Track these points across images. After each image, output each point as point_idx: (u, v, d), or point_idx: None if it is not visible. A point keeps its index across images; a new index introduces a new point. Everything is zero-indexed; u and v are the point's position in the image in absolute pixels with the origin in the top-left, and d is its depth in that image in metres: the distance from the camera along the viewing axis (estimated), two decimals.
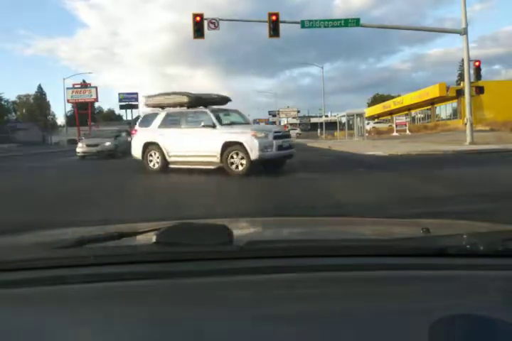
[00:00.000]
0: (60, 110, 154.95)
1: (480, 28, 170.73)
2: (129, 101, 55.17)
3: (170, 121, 11.72)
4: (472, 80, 19.86)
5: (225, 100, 12.58)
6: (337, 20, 18.50)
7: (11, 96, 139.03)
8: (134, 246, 1.03)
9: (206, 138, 10.79)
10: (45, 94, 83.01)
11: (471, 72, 19.95)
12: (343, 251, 0.98)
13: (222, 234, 0.93)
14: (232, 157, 10.49)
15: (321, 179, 9.12)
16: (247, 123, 12.27)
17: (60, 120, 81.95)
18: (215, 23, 18.14)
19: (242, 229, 1.43)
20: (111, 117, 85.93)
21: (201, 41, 18.82)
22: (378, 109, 54.34)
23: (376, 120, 51.03)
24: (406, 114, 42.30)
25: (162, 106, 12.11)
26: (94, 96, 49.02)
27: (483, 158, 13.26)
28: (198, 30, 18.06)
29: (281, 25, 18.04)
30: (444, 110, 40.88)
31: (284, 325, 0.70)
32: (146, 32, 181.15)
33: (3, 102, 73.65)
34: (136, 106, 55.68)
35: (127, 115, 61.11)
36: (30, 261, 0.95)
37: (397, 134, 32.50)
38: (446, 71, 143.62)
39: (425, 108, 43.15)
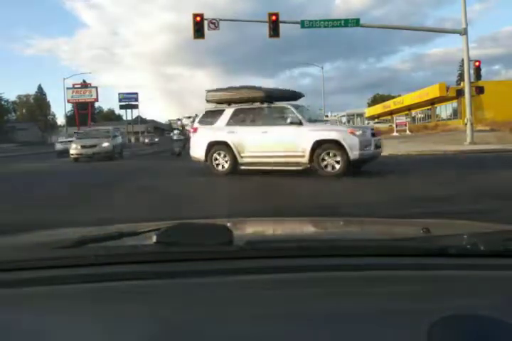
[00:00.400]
0: (60, 110, 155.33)
1: (480, 28, 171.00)
2: (129, 101, 55.14)
3: (241, 118, 10.45)
4: (472, 80, 19.87)
5: (298, 96, 11.31)
6: (337, 20, 18.51)
7: (11, 96, 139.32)
8: (134, 246, 1.03)
9: (291, 137, 9.65)
10: (45, 94, 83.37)
11: (471, 72, 19.97)
12: (343, 251, 0.98)
13: (222, 234, 0.93)
14: (323, 157, 9.41)
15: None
16: (321, 120, 11.30)
17: (60, 120, 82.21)
18: (215, 23, 18.15)
19: (242, 229, 1.43)
20: (111, 117, 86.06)
21: (201, 41, 18.86)
22: (378, 109, 54.32)
23: (376, 120, 51.03)
24: (406, 114, 42.29)
25: (229, 102, 10.78)
26: (94, 97, 49.05)
27: (483, 157, 13.27)
28: (198, 31, 18.07)
29: (281, 25, 18.05)
30: (444, 110, 40.89)
31: (284, 325, 0.70)
32: (146, 32, 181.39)
33: (3, 102, 73.69)
34: (136, 106, 55.68)
35: (127, 115, 61.22)
36: (30, 261, 0.95)
37: (397, 134, 32.46)
38: (446, 71, 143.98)
39: (425, 108, 43.17)
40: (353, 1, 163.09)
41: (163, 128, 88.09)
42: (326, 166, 9.46)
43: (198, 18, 18.02)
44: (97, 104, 74.13)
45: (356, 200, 6.30)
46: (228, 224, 0.97)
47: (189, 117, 14.80)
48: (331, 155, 9.44)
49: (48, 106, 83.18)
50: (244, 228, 1.52)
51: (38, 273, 0.90)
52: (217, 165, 10.60)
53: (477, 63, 20.75)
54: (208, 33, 18.24)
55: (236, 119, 10.49)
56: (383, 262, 0.94)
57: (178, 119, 16.89)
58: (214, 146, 10.55)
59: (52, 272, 0.90)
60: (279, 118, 10.17)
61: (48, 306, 0.80)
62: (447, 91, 34.90)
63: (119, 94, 55.67)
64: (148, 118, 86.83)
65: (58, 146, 26.03)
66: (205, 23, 18.03)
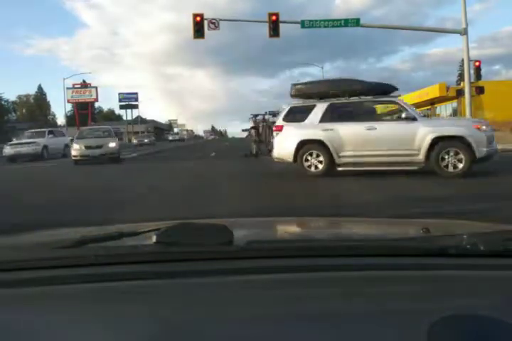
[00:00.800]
0: (60, 110, 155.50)
1: (480, 28, 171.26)
2: (129, 101, 55.14)
3: (338, 114, 9.37)
4: (472, 80, 19.89)
5: (392, 89, 10.19)
6: (337, 20, 18.51)
7: (11, 96, 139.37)
8: (134, 246, 1.03)
9: (404, 133, 8.68)
10: (45, 94, 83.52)
11: (471, 72, 20.00)
12: (343, 251, 0.98)
13: (222, 234, 0.93)
14: (442, 155, 8.47)
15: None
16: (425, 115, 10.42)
17: (60, 120, 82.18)
18: (215, 23, 18.15)
19: (242, 229, 1.43)
20: (111, 117, 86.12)
21: (201, 41, 18.87)
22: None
23: None
24: None
25: (320, 96, 9.66)
26: (94, 97, 49.16)
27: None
28: (198, 31, 18.07)
29: (281, 25, 18.05)
30: (444, 110, 40.85)
31: (283, 325, 0.70)
32: (146, 32, 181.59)
33: (3, 102, 73.67)
34: (136, 106, 55.67)
35: (127, 115, 61.29)
36: (30, 261, 0.95)
37: None
38: (446, 71, 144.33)
39: (425, 108, 43.13)
40: (353, 1, 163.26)
41: (163, 128, 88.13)
42: (446, 165, 8.51)
43: (198, 18, 18.02)
44: (97, 104, 74.40)
45: None
46: (228, 224, 0.97)
47: (256, 115, 13.42)
48: (451, 153, 8.50)
49: (48, 106, 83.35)
50: (244, 228, 1.51)
51: (38, 273, 0.90)
52: (309, 166, 9.45)
53: (477, 63, 20.79)
54: (208, 32, 18.27)
55: (331, 115, 9.31)
56: (383, 262, 0.94)
57: (255, 116, 14.09)
58: (305, 145, 9.38)
59: (52, 272, 0.90)
60: (385, 113, 9.32)
61: (48, 306, 0.80)
62: (447, 91, 34.85)
63: (119, 94, 55.81)
64: (148, 118, 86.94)
65: (7, 150, 21.28)
66: (205, 23, 18.04)
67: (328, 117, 9.33)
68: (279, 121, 9.99)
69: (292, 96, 10.25)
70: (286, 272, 0.89)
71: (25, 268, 0.92)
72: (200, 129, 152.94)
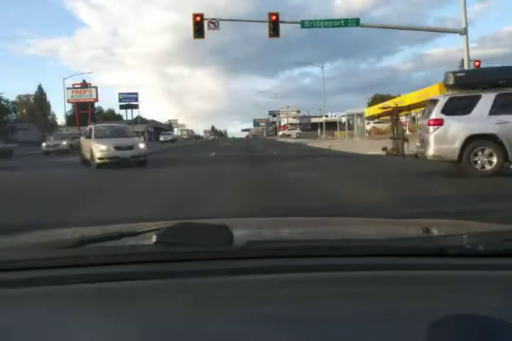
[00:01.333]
0: (60, 110, 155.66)
1: (480, 28, 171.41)
2: (129, 101, 55.26)
3: (511, 105, 8.28)
4: None
5: None
6: (337, 20, 18.53)
7: (11, 96, 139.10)
8: (134, 246, 1.03)
9: None
10: (45, 94, 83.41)
11: None
12: (344, 251, 0.98)
13: (222, 234, 0.93)
14: None
15: None
16: None
17: (60, 120, 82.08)
18: (215, 23, 18.17)
19: (242, 229, 1.43)
20: (111, 117, 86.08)
21: (202, 41, 18.90)
22: (378, 109, 54.24)
23: (376, 120, 50.98)
24: (406, 114, 42.22)
25: (486, 86, 8.66)
26: (94, 96, 49.21)
27: None
28: (198, 31, 18.10)
29: (281, 25, 18.08)
30: None
31: (283, 325, 0.70)
32: (147, 32, 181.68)
33: (3, 102, 73.61)
34: (136, 106, 55.77)
35: (127, 115, 61.24)
36: (30, 261, 0.95)
37: None
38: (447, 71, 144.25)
39: (425, 108, 43.05)
40: (352, 1, 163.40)
41: (162, 128, 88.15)
42: None
43: (198, 18, 18.04)
44: (96, 104, 74.45)
45: None
46: (228, 224, 0.97)
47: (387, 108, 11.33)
48: None
49: (48, 106, 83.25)
50: (244, 228, 1.51)
51: (38, 273, 0.90)
52: (475, 163, 8.40)
53: (477, 63, 20.80)
54: (209, 32, 18.30)
55: (502, 106, 8.29)
56: (383, 262, 0.94)
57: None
58: (474, 141, 8.33)
59: (52, 272, 0.90)
60: None
61: (48, 306, 0.80)
62: (447, 91, 34.83)
63: (119, 94, 55.93)
64: (149, 118, 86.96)
65: None
66: (205, 22, 18.05)
67: (498, 109, 8.31)
68: (437, 113, 8.59)
69: (449, 86, 9.23)
70: (286, 272, 0.88)
71: (24, 268, 0.92)
72: (200, 129, 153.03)
